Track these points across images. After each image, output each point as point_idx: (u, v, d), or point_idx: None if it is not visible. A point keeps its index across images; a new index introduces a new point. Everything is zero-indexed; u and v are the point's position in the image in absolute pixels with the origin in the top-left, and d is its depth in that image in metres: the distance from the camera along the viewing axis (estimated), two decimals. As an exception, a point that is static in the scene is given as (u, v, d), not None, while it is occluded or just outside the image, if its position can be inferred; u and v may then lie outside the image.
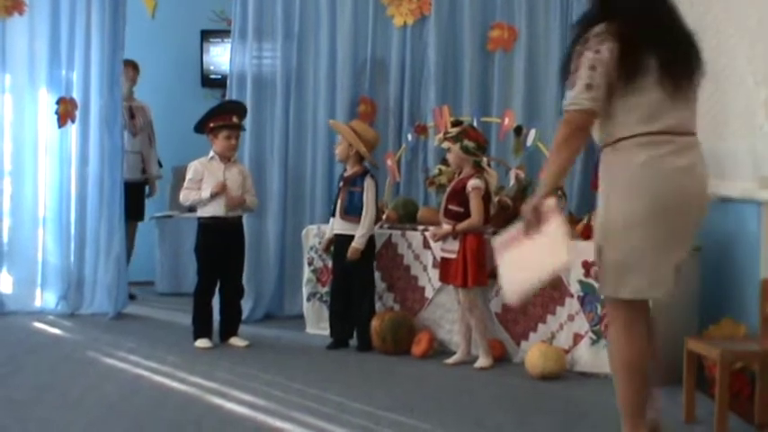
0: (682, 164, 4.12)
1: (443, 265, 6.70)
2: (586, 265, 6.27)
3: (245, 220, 7.45)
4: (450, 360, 6.57)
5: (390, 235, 7.32)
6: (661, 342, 4.66)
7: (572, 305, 6.39)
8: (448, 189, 6.72)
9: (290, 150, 8.32)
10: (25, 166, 8.49)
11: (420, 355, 6.82)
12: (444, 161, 7.14)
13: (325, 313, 7.43)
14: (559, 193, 6.75)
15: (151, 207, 9.73)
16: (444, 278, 6.70)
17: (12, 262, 8.50)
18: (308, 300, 7.74)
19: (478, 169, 6.57)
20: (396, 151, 7.96)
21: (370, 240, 7.12)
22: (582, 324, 6.34)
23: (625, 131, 4.13)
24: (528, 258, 4.23)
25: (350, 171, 7.17)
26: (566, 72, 4.24)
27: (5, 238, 8.48)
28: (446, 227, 6.58)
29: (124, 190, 8.45)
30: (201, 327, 7.13)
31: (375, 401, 5.55)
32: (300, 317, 7.87)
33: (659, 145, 4.09)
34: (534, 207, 4.21)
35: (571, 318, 6.40)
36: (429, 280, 7.10)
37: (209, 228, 7.12)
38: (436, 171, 7.34)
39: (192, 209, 7.39)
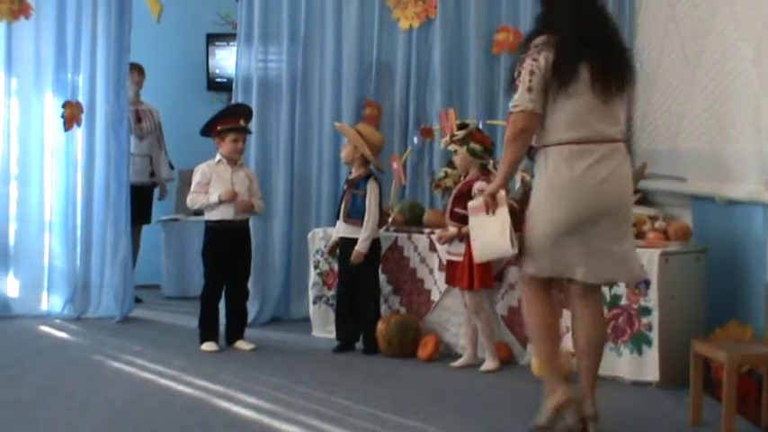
0: (603, 174, 4.69)
1: (449, 268, 6.70)
2: (593, 268, 6.26)
3: (251, 224, 7.46)
4: (457, 363, 6.56)
5: (396, 238, 7.32)
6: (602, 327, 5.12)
7: (578, 308, 6.37)
8: (454, 192, 6.71)
9: (296, 153, 8.32)
10: (31, 170, 8.50)
11: (426, 358, 6.82)
12: (450, 164, 7.14)
13: (332, 316, 7.43)
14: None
15: (157, 210, 9.73)
16: (450, 281, 6.69)
17: (18, 266, 8.51)
18: (315, 303, 7.74)
19: (485, 172, 6.56)
20: (402, 154, 7.96)
21: (375, 243, 7.12)
22: (588, 327, 6.32)
23: (555, 137, 4.71)
24: (485, 233, 4.96)
25: (354, 174, 7.18)
26: (512, 80, 4.82)
27: (12, 242, 8.49)
28: (452, 229, 6.58)
29: (132, 193, 8.46)
30: (208, 330, 7.13)
31: (381, 404, 5.55)
32: (307, 320, 7.87)
33: (583, 155, 4.67)
34: (491, 194, 4.90)
35: (577, 320, 6.39)
36: (435, 283, 7.09)
37: (216, 231, 7.12)
38: (442, 174, 7.34)
39: (198, 212, 7.39)
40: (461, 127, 6.83)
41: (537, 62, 4.66)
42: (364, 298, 7.11)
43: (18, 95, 8.52)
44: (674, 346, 5.92)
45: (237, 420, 5.26)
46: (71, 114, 8.38)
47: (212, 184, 7.10)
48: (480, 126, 7.25)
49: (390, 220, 7.41)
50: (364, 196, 7.02)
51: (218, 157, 7.19)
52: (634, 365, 6.09)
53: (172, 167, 9.65)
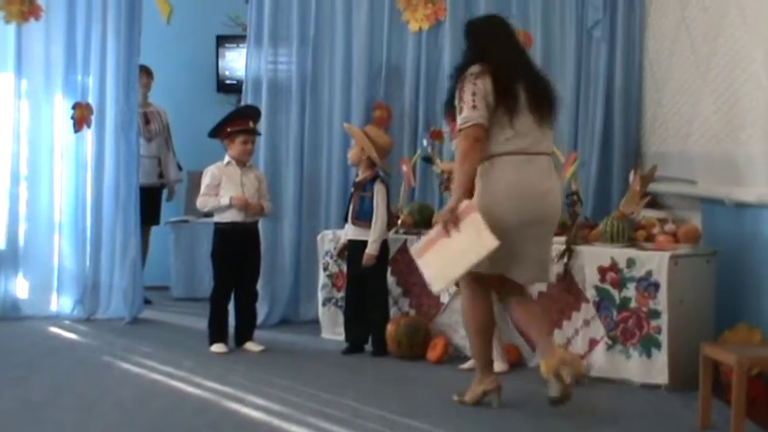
0: (547, 187, 5.38)
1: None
2: (602, 271, 6.26)
3: (260, 225, 7.47)
4: (466, 365, 6.55)
5: (406, 240, 7.31)
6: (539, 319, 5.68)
7: (588, 310, 6.37)
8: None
9: (306, 155, 8.32)
10: (41, 171, 8.52)
11: (435, 360, 6.82)
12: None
13: (341, 318, 7.43)
14: (575, 198, 6.75)
15: (166, 212, 9.74)
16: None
17: (28, 267, 8.53)
18: (324, 305, 7.74)
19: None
20: (411, 156, 7.95)
21: (384, 245, 7.11)
22: (598, 329, 6.32)
23: (500, 148, 5.27)
24: (451, 252, 5.25)
25: (361, 176, 7.18)
26: (450, 107, 5.50)
27: (21, 243, 8.50)
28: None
29: (140, 194, 8.47)
30: (217, 331, 7.14)
31: (390, 406, 5.56)
32: (316, 322, 7.87)
33: (524, 165, 5.30)
34: (450, 210, 5.26)
35: (587, 323, 6.38)
36: (444, 285, 7.09)
37: (226, 233, 7.13)
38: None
39: (207, 214, 7.39)
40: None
41: (476, 86, 5.25)
42: (373, 300, 7.11)
43: (28, 97, 8.53)
44: (683, 348, 5.92)
45: (246, 422, 5.27)
46: (81, 116, 8.39)
47: (222, 186, 7.11)
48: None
49: (400, 222, 7.40)
50: (372, 198, 7.02)
51: (226, 158, 7.19)
52: (643, 368, 6.09)
53: (180, 169, 9.65)
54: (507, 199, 5.28)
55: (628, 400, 5.82)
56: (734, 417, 4.74)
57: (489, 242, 5.14)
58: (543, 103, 5.42)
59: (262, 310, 7.81)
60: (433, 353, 6.82)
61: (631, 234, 6.46)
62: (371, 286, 7.11)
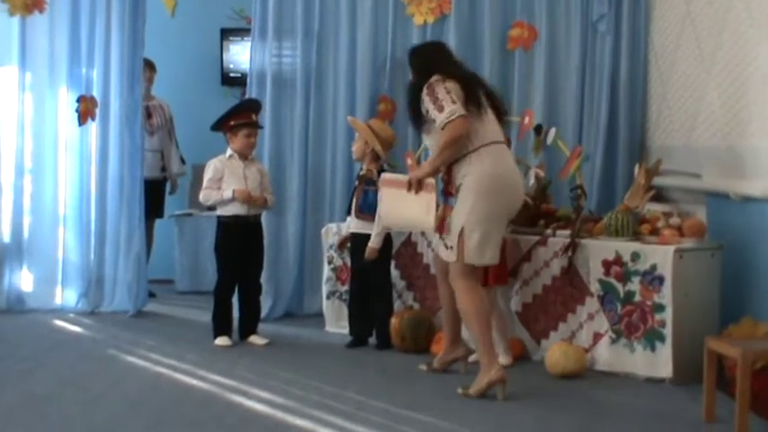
0: (517, 178, 5.94)
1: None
2: (606, 264, 6.26)
3: (264, 219, 7.48)
4: (470, 358, 6.55)
5: (410, 234, 7.31)
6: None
7: (592, 304, 6.37)
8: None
9: (310, 149, 8.31)
10: (45, 164, 8.52)
11: (439, 353, 6.82)
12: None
13: (345, 312, 7.43)
14: (579, 191, 6.74)
15: (170, 205, 9.73)
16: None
17: (32, 260, 8.53)
18: (328, 298, 7.75)
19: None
20: (415, 150, 7.94)
21: (387, 239, 7.11)
22: (602, 323, 6.32)
23: (477, 142, 5.71)
24: (404, 205, 5.83)
25: (365, 169, 7.17)
26: (419, 118, 5.94)
27: (26, 236, 8.50)
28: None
29: (144, 188, 8.46)
30: (221, 325, 7.14)
31: (394, 400, 5.56)
32: (320, 315, 7.88)
33: (499, 155, 5.78)
34: (418, 178, 5.78)
35: (591, 316, 6.39)
36: (448, 279, 7.09)
37: (229, 226, 7.13)
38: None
39: (211, 207, 7.39)
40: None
41: (447, 86, 5.72)
42: (377, 293, 7.12)
43: (32, 90, 8.52)
44: (687, 342, 5.92)
45: (250, 415, 5.28)
46: (85, 109, 8.38)
47: (225, 180, 7.11)
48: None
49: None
50: (375, 192, 7.01)
51: (229, 152, 7.19)
52: (647, 362, 6.09)
53: (183, 162, 9.64)
54: (501, 186, 5.75)
55: (632, 393, 5.82)
56: (738, 410, 4.74)
57: (429, 225, 5.89)
58: (500, 109, 6.05)
59: (266, 303, 7.82)
60: (437, 346, 6.80)
61: (636, 228, 6.45)
62: (375, 280, 7.11)
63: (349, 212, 7.26)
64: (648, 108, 7.93)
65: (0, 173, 8.53)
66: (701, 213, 6.75)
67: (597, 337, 6.36)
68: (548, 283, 6.59)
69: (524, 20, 8.09)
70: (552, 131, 7.20)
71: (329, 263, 7.73)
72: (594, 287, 6.35)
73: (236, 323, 7.28)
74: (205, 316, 7.44)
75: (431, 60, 6.05)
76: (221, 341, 7.08)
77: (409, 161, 7.74)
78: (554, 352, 6.26)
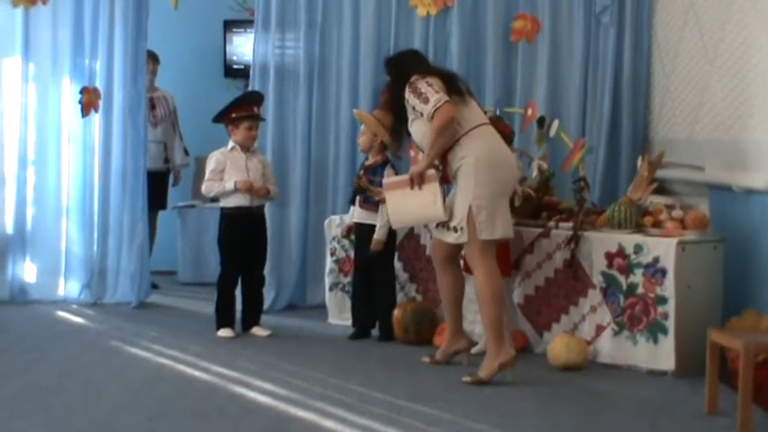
0: (510, 155, 6.16)
1: (465, 257, 6.69)
2: (609, 257, 6.26)
3: (267, 210, 7.47)
4: (473, 350, 6.55)
5: (413, 226, 7.31)
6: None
7: (594, 296, 6.37)
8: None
9: (313, 140, 8.31)
10: (48, 156, 8.52)
11: (442, 345, 6.82)
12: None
13: (348, 303, 7.44)
14: (582, 184, 6.74)
15: (173, 197, 9.73)
16: (467, 269, 6.68)
17: (35, 251, 8.54)
18: (331, 290, 7.75)
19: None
20: (418, 142, 7.94)
21: (391, 231, 7.10)
22: (604, 315, 6.32)
23: (466, 126, 5.91)
24: (411, 203, 6.01)
25: (371, 161, 7.17)
26: (402, 115, 6.15)
27: (29, 227, 8.51)
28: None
29: (147, 180, 8.47)
30: (224, 316, 7.15)
31: (397, 391, 5.57)
32: (323, 307, 7.88)
33: (489, 135, 6.00)
34: (419, 173, 5.95)
35: (593, 309, 6.39)
36: (451, 271, 7.09)
37: (233, 218, 7.13)
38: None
39: (214, 199, 7.39)
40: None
41: (428, 80, 5.94)
42: (380, 285, 7.12)
43: (35, 81, 8.52)
44: (690, 335, 5.92)
45: (253, 406, 5.29)
46: (88, 100, 8.38)
47: (227, 172, 7.11)
48: (497, 114, 7.24)
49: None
50: (381, 183, 7.01)
51: (230, 144, 7.20)
52: (650, 354, 6.09)
53: (187, 154, 9.64)
54: (500, 161, 5.97)
55: (634, 386, 5.83)
56: (741, 403, 4.75)
57: (440, 214, 5.95)
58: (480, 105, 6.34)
59: (268, 294, 7.83)
60: (440, 338, 6.80)
61: (639, 220, 6.45)
62: (378, 271, 7.11)
63: (352, 202, 7.25)
64: (651, 100, 7.93)
65: (3, 164, 8.53)
66: (703, 206, 6.75)
67: (600, 329, 6.36)
68: (550, 275, 6.59)
69: (527, 12, 8.07)
70: (555, 123, 7.19)
71: (332, 255, 7.73)
72: (597, 279, 6.35)
73: (238, 315, 7.28)
74: (208, 307, 7.45)
75: (408, 63, 6.28)
76: (224, 333, 7.09)
77: (412, 153, 7.73)
78: (556, 344, 6.26)
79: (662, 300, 6.01)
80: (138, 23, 8.39)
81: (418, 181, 5.94)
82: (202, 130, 8.83)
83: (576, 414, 5.21)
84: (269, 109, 8.07)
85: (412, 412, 5.16)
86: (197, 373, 5.99)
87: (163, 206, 9.43)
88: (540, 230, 6.70)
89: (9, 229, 8.49)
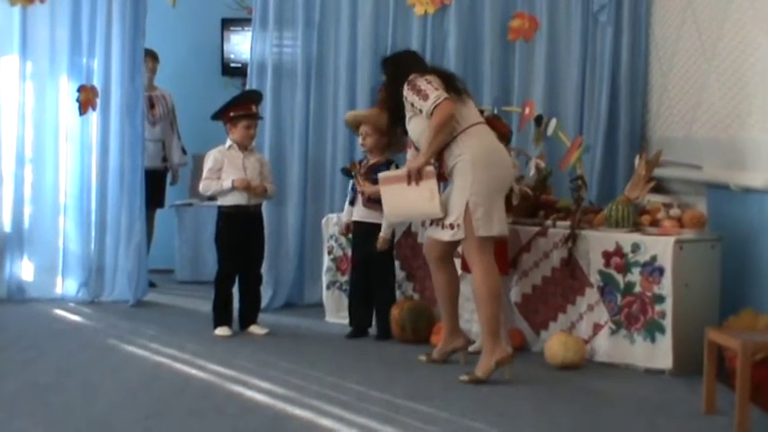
0: (506, 154, 6.19)
1: (464, 255, 6.69)
2: (607, 255, 6.26)
3: (265, 209, 7.47)
4: (470, 349, 6.55)
5: (410, 224, 7.31)
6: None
7: (592, 295, 6.37)
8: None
9: (311, 139, 8.31)
10: (46, 154, 8.51)
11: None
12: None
13: (345, 302, 7.44)
14: (579, 182, 6.74)
15: (171, 195, 9.73)
16: (464, 268, 6.68)
17: (33, 249, 8.53)
18: (328, 288, 7.75)
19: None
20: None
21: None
22: (601, 314, 6.33)
23: (464, 123, 5.93)
24: (407, 198, 6.02)
25: (373, 160, 7.15)
26: (399, 114, 6.18)
27: (26, 225, 8.50)
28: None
29: (145, 178, 8.46)
30: (221, 315, 7.15)
31: (394, 390, 5.57)
32: (320, 305, 7.88)
33: (486, 133, 6.03)
34: (417, 168, 5.96)
35: (591, 308, 6.39)
36: (449, 269, 7.09)
37: (230, 216, 7.13)
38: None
39: (212, 197, 7.39)
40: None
41: (427, 78, 5.98)
42: (378, 283, 7.12)
43: (33, 79, 8.51)
44: (687, 333, 5.92)
45: (250, 405, 5.29)
46: (86, 98, 8.38)
47: (224, 170, 7.11)
48: (495, 113, 7.24)
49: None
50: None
51: (228, 142, 7.20)
52: (647, 353, 6.10)
53: (185, 152, 9.64)
54: (498, 159, 5.99)
55: (631, 385, 5.83)
56: (738, 402, 4.75)
57: (436, 210, 5.95)
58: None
59: (266, 293, 7.83)
60: (437, 337, 6.80)
61: (636, 219, 6.46)
62: (377, 270, 7.11)
63: (352, 203, 7.24)
64: (649, 99, 7.93)
65: (1, 162, 8.52)
66: (701, 205, 6.75)
67: (597, 328, 6.36)
68: (547, 274, 6.59)
69: (525, 10, 8.08)
70: (553, 122, 7.18)
71: (329, 253, 7.73)
72: (594, 278, 6.35)
73: (236, 313, 7.28)
74: (205, 306, 7.45)
75: (407, 62, 6.33)
76: (221, 331, 7.09)
77: (409, 152, 7.72)
78: (553, 343, 6.26)
79: (659, 298, 6.01)
80: (136, 21, 8.38)
81: (416, 177, 5.96)
82: (200, 128, 8.85)
83: (573, 413, 5.21)
84: (266, 107, 8.07)
85: (409, 411, 5.16)
86: (194, 372, 5.99)
87: (160, 204, 9.43)
88: (537, 229, 6.70)
89: (6, 227, 8.48)
